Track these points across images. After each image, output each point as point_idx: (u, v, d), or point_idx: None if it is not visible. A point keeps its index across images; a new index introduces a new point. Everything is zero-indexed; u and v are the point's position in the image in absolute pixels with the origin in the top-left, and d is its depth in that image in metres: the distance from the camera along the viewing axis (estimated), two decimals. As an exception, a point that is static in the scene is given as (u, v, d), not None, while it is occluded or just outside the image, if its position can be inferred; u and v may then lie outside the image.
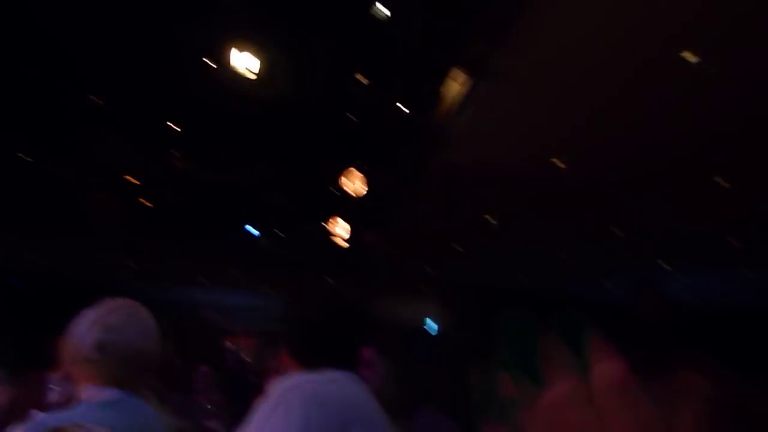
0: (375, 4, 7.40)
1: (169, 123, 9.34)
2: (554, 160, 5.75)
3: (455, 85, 4.62)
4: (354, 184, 7.06)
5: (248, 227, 10.54)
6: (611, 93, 4.64)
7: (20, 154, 8.67)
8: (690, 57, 4.20)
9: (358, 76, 8.50)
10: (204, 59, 8.48)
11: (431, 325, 9.15)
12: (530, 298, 11.62)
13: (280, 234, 10.52)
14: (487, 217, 7.52)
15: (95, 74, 8.77)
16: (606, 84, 4.51)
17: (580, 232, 8.31)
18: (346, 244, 8.29)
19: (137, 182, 10.23)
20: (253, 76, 8.42)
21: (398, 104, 6.76)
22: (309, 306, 1.76)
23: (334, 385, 1.51)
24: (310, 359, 1.61)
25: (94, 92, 9.27)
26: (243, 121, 9.37)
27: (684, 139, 5.42)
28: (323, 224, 8.64)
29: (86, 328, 1.77)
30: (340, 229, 8.13)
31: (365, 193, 6.77)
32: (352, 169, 6.98)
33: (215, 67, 8.58)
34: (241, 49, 8.32)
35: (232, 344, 14.71)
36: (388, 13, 7.36)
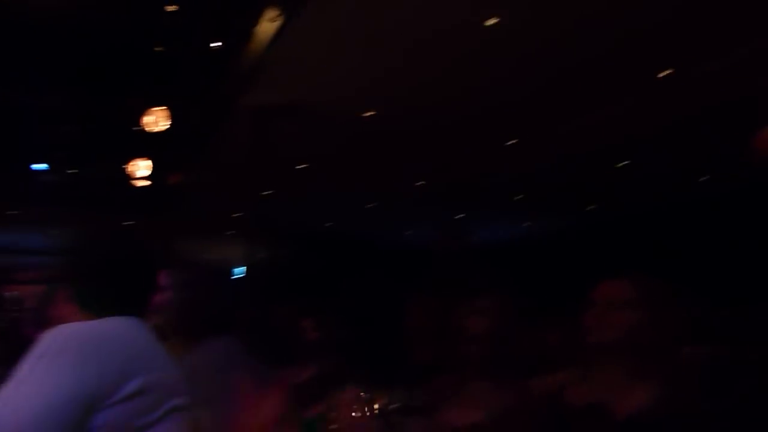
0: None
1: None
2: (364, 108, 5.87)
3: (267, 23, 4.48)
4: (157, 118, 6.62)
5: (35, 165, 9.48)
6: (419, 43, 4.80)
7: None
8: (489, 20, 4.48)
9: (167, 6, 7.90)
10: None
11: (238, 269, 9.05)
12: (335, 242, 11.97)
13: (74, 170, 9.61)
14: (296, 158, 7.52)
15: None
16: (414, 34, 4.65)
17: (386, 180, 8.65)
18: (147, 182, 7.80)
19: None
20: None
21: (208, 37, 6.42)
22: (94, 247, 1.60)
23: (114, 332, 1.39)
24: (95, 306, 1.47)
25: None
26: (31, 40, 8.27)
27: (481, 96, 5.82)
28: (122, 161, 8.03)
29: None
30: (141, 167, 7.61)
31: (168, 128, 6.38)
32: (156, 103, 6.53)
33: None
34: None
35: (14, 292, 13.33)
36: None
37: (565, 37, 4.68)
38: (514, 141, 7.13)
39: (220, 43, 6.17)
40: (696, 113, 5.81)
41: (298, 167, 7.92)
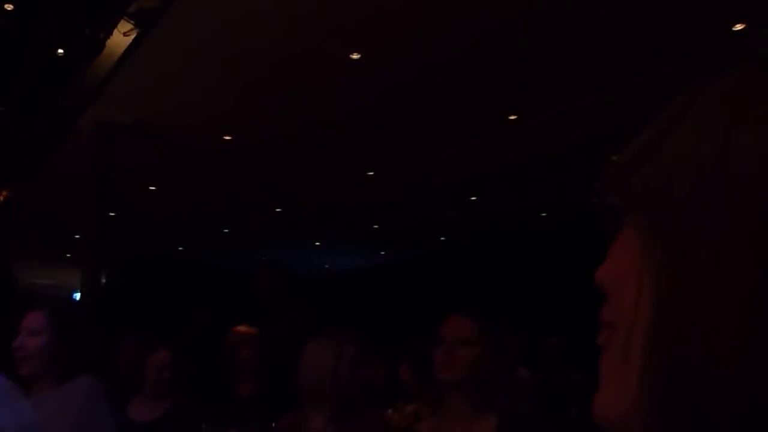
0: None
1: None
2: (217, 130, 5.70)
3: (120, 36, 4.22)
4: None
5: None
6: (271, 73, 4.76)
7: None
8: (352, 54, 4.54)
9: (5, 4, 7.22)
10: None
11: (75, 295, 8.36)
12: (186, 267, 11.45)
13: None
14: (143, 179, 7.12)
15: None
16: (272, 61, 4.60)
17: (243, 205, 8.44)
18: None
19: None
20: None
21: (50, 44, 5.94)
22: None
23: None
24: None
25: None
26: None
27: (340, 128, 5.87)
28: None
29: None
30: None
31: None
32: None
33: None
34: None
35: None
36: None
37: (423, 75, 4.86)
38: (370, 173, 7.27)
39: (62, 51, 5.73)
40: (540, 153, 6.25)
41: (148, 188, 7.51)
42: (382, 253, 11.62)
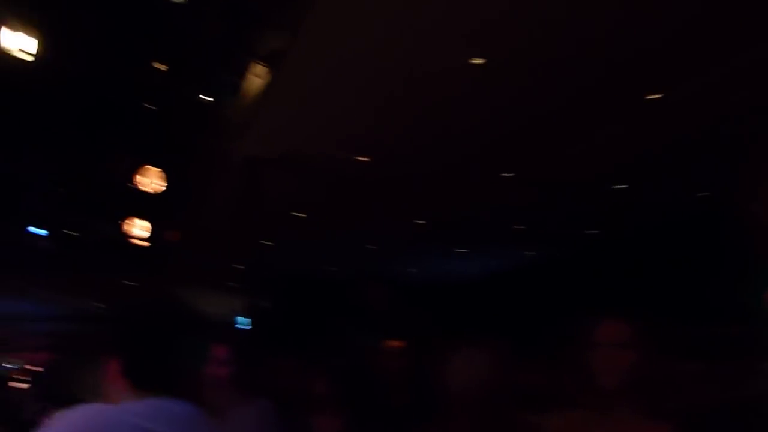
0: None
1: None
2: (353, 152, 5.88)
3: (254, 78, 4.52)
4: (150, 180, 6.64)
5: (32, 228, 9.49)
6: (404, 89, 4.83)
7: None
8: (477, 60, 4.51)
9: (155, 64, 8.01)
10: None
11: (242, 321, 8.98)
12: (340, 285, 11.89)
13: (71, 234, 9.61)
14: (291, 207, 7.51)
15: None
16: (399, 80, 4.68)
17: (384, 220, 8.63)
18: (146, 243, 7.80)
19: None
20: (30, 58, 7.56)
21: (197, 94, 6.48)
22: (148, 315, 1.44)
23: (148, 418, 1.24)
24: (148, 381, 1.30)
25: None
26: (23, 109, 8.35)
27: (472, 133, 5.83)
28: (120, 223, 8.05)
29: None
30: (138, 228, 7.62)
31: (163, 189, 6.40)
32: (147, 165, 6.56)
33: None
34: (14, 29, 7.42)
35: (17, 360, 13.14)
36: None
37: (550, 69, 4.72)
38: (510, 174, 7.14)
39: (210, 99, 6.24)
40: (685, 135, 5.82)
41: (294, 215, 7.92)
42: (530, 253, 11.35)
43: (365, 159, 6.14)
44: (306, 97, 4.79)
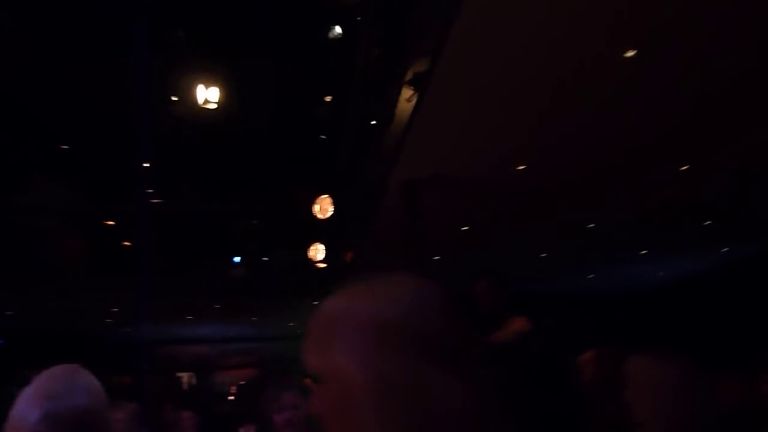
0: (332, 28, 7.51)
1: (138, 162, 9.39)
2: (511, 163, 5.82)
3: (405, 103, 4.68)
4: (323, 206, 7.11)
5: (234, 258, 10.54)
6: (555, 94, 4.71)
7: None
8: (628, 53, 4.29)
9: (324, 98, 8.57)
10: (163, 95, 8.56)
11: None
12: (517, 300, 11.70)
13: (261, 262, 10.53)
14: (455, 223, 7.58)
15: (58, 122, 8.80)
16: (548, 86, 4.58)
17: (547, 227, 8.39)
18: (323, 265, 8.34)
19: (112, 224, 10.21)
20: (213, 106, 8.51)
21: (357, 121, 6.84)
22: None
23: None
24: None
25: (60, 140, 9.30)
26: (211, 153, 9.39)
27: (634, 129, 5.51)
28: (300, 248, 8.68)
29: (28, 403, 1.77)
30: (317, 252, 8.17)
31: (332, 214, 6.81)
32: (320, 194, 7.04)
33: (175, 102, 8.65)
34: (199, 83, 8.41)
35: (229, 379, 14.62)
36: (340, 30, 7.47)
37: (718, 51, 4.34)
38: (685, 167, 6.61)
39: (374, 122, 6.54)
40: None
41: (462, 229, 7.98)
42: (724, 250, 10.33)
43: (522, 167, 6.04)
44: (456, 115, 4.85)
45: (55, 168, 8.89)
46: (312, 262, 8.65)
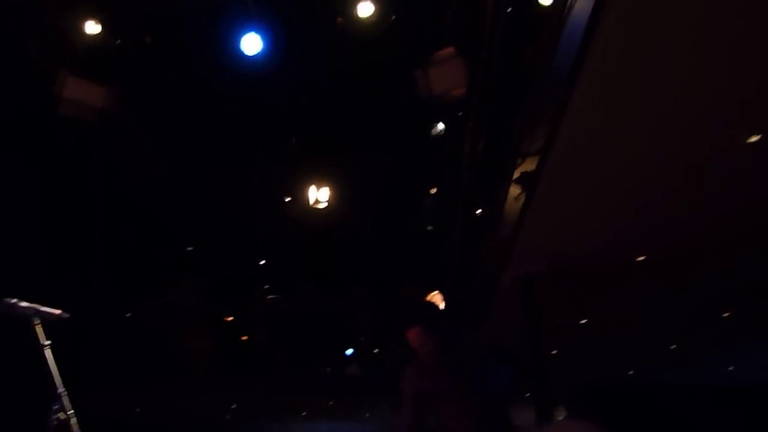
0: (435, 125, 7.72)
1: (255, 261, 9.84)
2: (630, 254, 5.54)
3: (512, 200, 4.64)
4: (434, 301, 7.05)
5: (347, 351, 10.59)
6: (671, 184, 4.50)
7: (125, 312, 9.25)
8: (751, 138, 4.06)
9: (430, 190, 8.70)
10: (277, 197, 9.03)
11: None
12: (646, 391, 10.86)
13: (374, 357, 10.49)
14: (571, 316, 7.25)
15: (185, 226, 9.45)
16: (666, 177, 4.39)
17: (677, 317, 7.82)
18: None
19: (231, 319, 10.61)
20: (324, 205, 8.84)
21: (468, 217, 6.83)
22: None
23: None
24: None
25: (186, 243, 9.95)
26: (325, 251, 9.67)
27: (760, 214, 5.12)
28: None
29: None
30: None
31: (442, 309, 6.73)
32: (431, 289, 7.01)
33: (288, 202, 9.07)
34: (310, 184, 8.81)
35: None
36: (443, 127, 7.65)
37: None
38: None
39: (483, 217, 6.51)
40: None
41: (580, 322, 7.61)
42: None
43: (642, 258, 5.73)
44: (567, 212, 4.74)
45: (181, 269, 9.45)
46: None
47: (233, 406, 11.34)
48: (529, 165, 4.25)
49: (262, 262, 10.03)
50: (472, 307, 7.13)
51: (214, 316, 10.21)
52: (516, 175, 4.40)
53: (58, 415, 2.63)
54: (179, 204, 8.92)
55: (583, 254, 5.52)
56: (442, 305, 6.85)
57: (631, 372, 10.78)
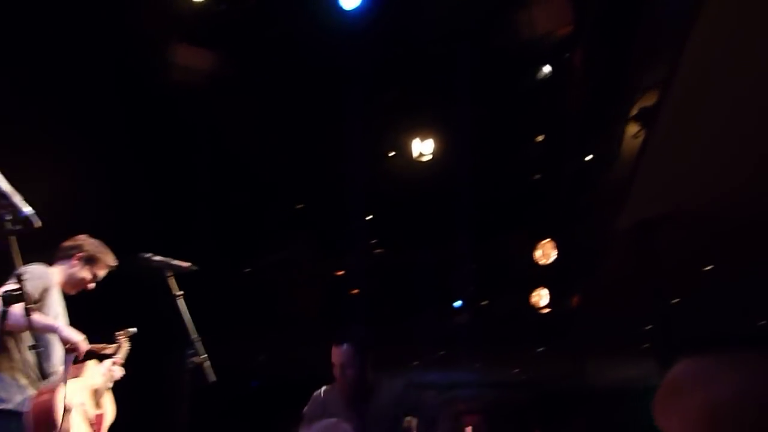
0: (540, 68, 7.41)
1: (362, 216, 10.00)
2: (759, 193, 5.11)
3: (629, 139, 4.37)
4: (545, 251, 6.88)
5: (456, 303, 10.65)
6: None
7: (243, 268, 9.72)
8: None
9: (537, 138, 8.42)
10: (380, 151, 9.06)
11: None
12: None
13: (483, 308, 10.47)
14: (691, 263, 6.84)
15: (293, 185, 9.74)
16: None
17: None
18: (548, 310, 8.03)
19: (341, 273, 10.90)
20: (428, 158, 8.79)
21: (576, 160, 6.56)
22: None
23: None
24: None
25: (296, 202, 10.26)
26: (430, 202, 9.67)
27: None
28: (522, 293, 8.48)
29: None
30: (540, 298, 7.90)
31: (556, 258, 6.55)
32: (541, 238, 6.84)
33: (392, 157, 9.10)
34: (414, 137, 8.78)
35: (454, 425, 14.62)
36: (549, 69, 7.32)
37: None
38: None
39: (596, 160, 6.23)
40: None
41: (703, 269, 7.18)
42: None
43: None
44: (689, 150, 4.41)
45: (294, 227, 9.77)
46: (534, 308, 8.39)
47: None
48: (648, 100, 3.97)
49: (369, 217, 10.17)
50: (583, 256, 6.89)
51: (326, 270, 10.53)
52: (634, 111, 4.13)
53: (193, 359, 2.80)
54: (286, 164, 9.17)
55: (709, 195, 5.16)
56: (554, 254, 6.68)
57: (762, 322, 10.14)
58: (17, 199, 2.13)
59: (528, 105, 7.75)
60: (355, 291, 10.89)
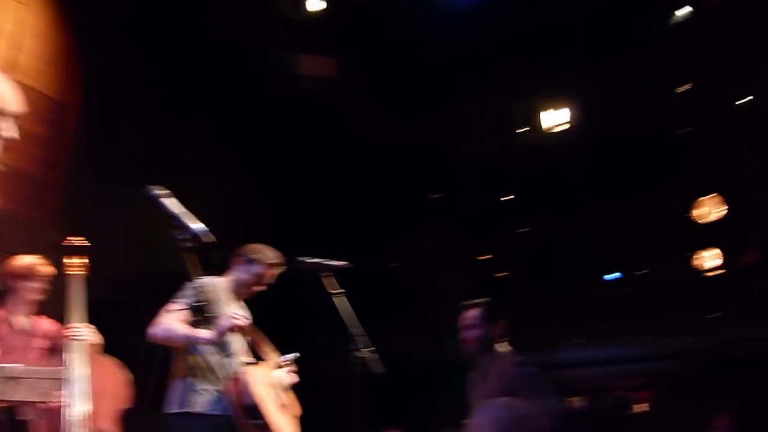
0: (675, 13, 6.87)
1: (502, 197, 9.81)
2: None
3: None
4: (709, 207, 6.35)
5: (608, 276, 10.15)
6: None
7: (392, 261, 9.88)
8: None
9: (681, 88, 7.80)
10: (507, 128, 8.84)
11: None
12: None
13: (643, 272, 9.87)
14: None
15: (426, 175, 9.75)
16: None
17: None
18: (716, 273, 7.42)
19: (489, 257, 10.75)
20: (564, 127, 8.47)
21: (731, 103, 6.03)
22: None
23: None
24: None
25: (432, 192, 10.27)
26: (571, 173, 9.27)
27: None
28: (686, 257, 7.91)
29: None
30: (709, 259, 7.31)
31: (725, 213, 6.01)
32: (701, 195, 6.32)
33: (523, 132, 8.84)
34: (548, 109, 8.49)
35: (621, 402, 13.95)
36: (689, 10, 6.75)
37: None
38: None
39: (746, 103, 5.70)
40: None
41: None
42: None
43: None
44: None
45: (434, 217, 9.79)
46: (699, 272, 7.80)
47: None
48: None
49: (510, 197, 9.97)
50: (753, 206, 6.27)
51: (472, 255, 10.44)
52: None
53: (358, 353, 2.87)
54: (411, 155, 9.20)
55: None
56: (722, 209, 6.14)
57: None
58: (187, 219, 2.30)
59: (664, 53, 7.21)
60: (504, 273, 10.69)
